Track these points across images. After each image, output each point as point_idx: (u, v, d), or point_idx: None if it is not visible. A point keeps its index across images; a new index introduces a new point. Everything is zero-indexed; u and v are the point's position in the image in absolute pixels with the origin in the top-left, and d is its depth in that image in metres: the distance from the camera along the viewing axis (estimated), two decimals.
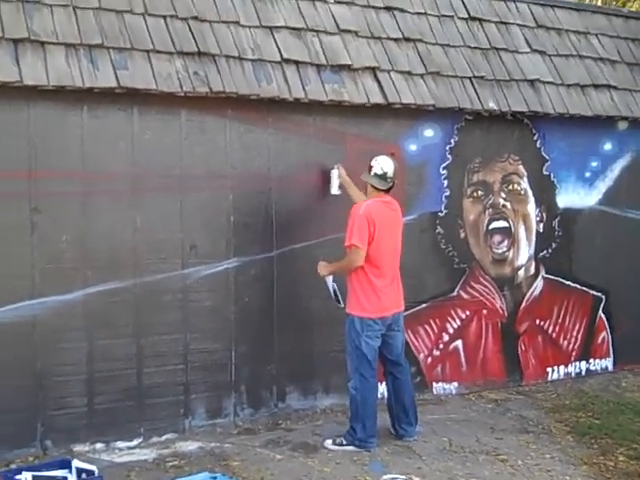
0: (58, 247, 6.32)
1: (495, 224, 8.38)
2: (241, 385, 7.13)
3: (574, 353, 9.02)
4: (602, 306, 9.17)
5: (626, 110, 8.72)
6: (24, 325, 6.22)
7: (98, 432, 6.52)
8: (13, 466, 6.03)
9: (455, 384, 8.23)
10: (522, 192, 8.54)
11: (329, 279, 6.86)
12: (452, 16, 8.09)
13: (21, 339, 6.23)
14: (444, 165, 8.02)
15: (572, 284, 8.95)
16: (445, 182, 8.04)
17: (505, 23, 8.41)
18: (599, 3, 15.91)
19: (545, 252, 8.71)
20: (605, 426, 7.34)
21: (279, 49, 6.94)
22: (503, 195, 8.38)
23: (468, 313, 8.28)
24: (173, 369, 6.81)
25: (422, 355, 7.99)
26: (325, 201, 7.28)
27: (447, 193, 8.06)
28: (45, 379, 6.31)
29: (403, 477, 5.03)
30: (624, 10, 9.74)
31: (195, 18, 6.66)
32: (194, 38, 6.58)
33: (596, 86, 8.66)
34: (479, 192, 8.26)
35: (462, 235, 8.20)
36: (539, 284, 8.71)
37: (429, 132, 7.90)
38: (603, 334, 9.21)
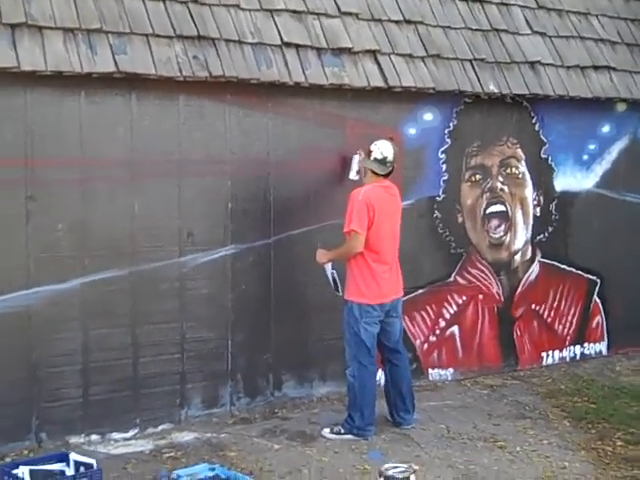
0: (54, 236, 6.29)
1: (492, 208, 8.44)
2: (237, 374, 7.16)
3: (569, 337, 9.13)
4: (597, 290, 9.26)
5: (625, 92, 8.77)
6: (19, 316, 6.20)
7: (93, 423, 6.54)
8: (8, 460, 6.05)
9: (451, 370, 8.31)
10: (520, 176, 8.58)
11: (328, 266, 6.90)
12: None
13: (15, 330, 6.21)
14: (443, 149, 8.05)
15: (568, 268, 9.03)
16: (443, 166, 8.07)
17: (506, 4, 8.40)
18: None
19: (542, 236, 8.78)
20: (602, 411, 7.46)
21: (279, 32, 6.92)
22: (501, 179, 8.42)
23: (464, 298, 8.35)
24: (169, 358, 6.83)
25: (418, 341, 8.06)
26: (324, 186, 7.30)
27: (445, 177, 8.10)
28: (40, 370, 6.31)
29: (404, 465, 5.04)
30: None
31: (195, 1, 6.60)
32: (194, 22, 6.54)
33: (596, 67, 8.69)
34: (477, 176, 8.30)
35: (459, 220, 8.25)
36: (535, 268, 8.79)
37: (428, 116, 7.92)
38: (598, 318, 9.32)
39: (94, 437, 6.53)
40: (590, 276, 9.19)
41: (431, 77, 7.54)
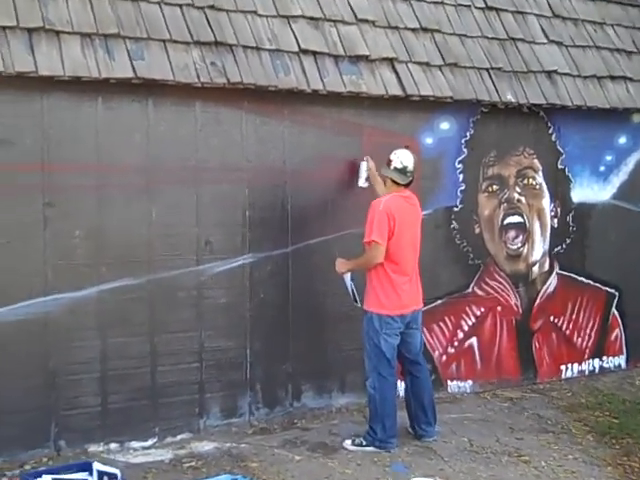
0: (71, 242, 6.23)
1: (510, 219, 8.33)
2: (256, 384, 7.06)
3: (588, 351, 8.99)
4: (615, 303, 9.11)
5: None
6: (36, 323, 6.13)
7: (112, 432, 6.44)
8: (27, 467, 5.99)
9: (470, 382, 8.19)
10: (537, 186, 8.49)
11: (347, 276, 6.79)
12: (469, 5, 8.02)
13: (33, 337, 6.13)
14: (459, 159, 7.97)
15: (585, 280, 8.91)
16: (460, 176, 7.99)
17: (522, 13, 8.35)
18: None
19: (559, 248, 8.67)
20: (625, 426, 7.29)
21: (297, 39, 6.86)
22: (518, 189, 8.33)
23: (483, 310, 8.23)
24: (187, 367, 6.74)
25: (437, 353, 7.94)
26: (341, 195, 7.23)
27: (462, 187, 8.01)
28: (58, 378, 6.22)
29: (430, 479, 4.93)
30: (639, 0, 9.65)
31: (212, 7, 6.57)
32: (211, 27, 6.50)
33: (612, 77, 8.61)
34: (494, 186, 8.21)
35: (477, 230, 8.15)
36: (553, 280, 8.67)
37: (445, 125, 7.84)
38: (616, 331, 9.18)
39: (113, 446, 6.43)
40: (608, 289, 9.06)
41: (449, 86, 7.47)
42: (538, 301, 8.59)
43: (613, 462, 6.49)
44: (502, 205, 8.27)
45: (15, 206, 6.01)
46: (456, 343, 8.11)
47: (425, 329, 7.61)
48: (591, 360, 9.00)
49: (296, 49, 6.84)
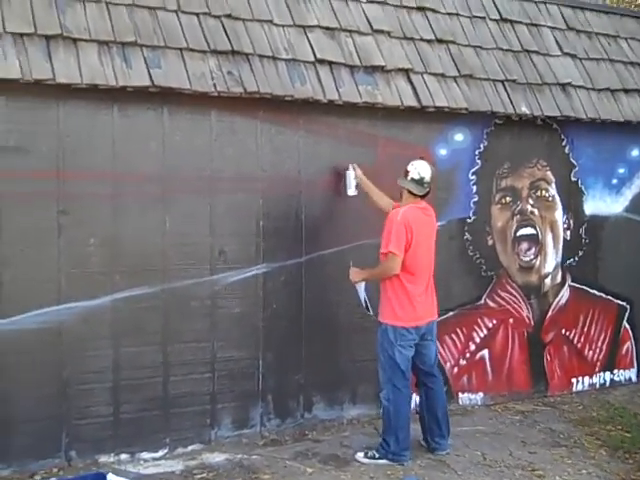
0: (85, 251, 6.14)
1: (523, 231, 8.23)
2: (268, 395, 6.95)
3: (599, 364, 8.87)
4: (627, 316, 9.00)
5: None
6: (50, 332, 6.03)
7: (123, 442, 6.33)
8: (37, 477, 5.91)
9: (481, 394, 8.07)
10: (550, 198, 8.39)
11: (361, 286, 6.69)
12: (484, 17, 7.94)
13: (47, 346, 6.04)
14: (473, 170, 7.87)
15: (597, 293, 8.79)
16: (474, 188, 7.89)
17: (536, 25, 8.27)
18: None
19: (572, 260, 8.56)
20: (637, 440, 7.17)
21: (313, 49, 6.78)
22: (531, 201, 8.23)
23: (495, 322, 8.12)
24: (200, 378, 6.64)
25: (448, 364, 7.83)
26: (355, 206, 7.09)
27: (475, 199, 7.91)
28: (70, 387, 6.12)
29: None
30: None
31: (228, 16, 6.49)
32: (227, 37, 6.41)
33: (626, 91, 8.52)
34: (507, 198, 8.11)
35: (490, 242, 8.05)
36: (565, 293, 8.56)
37: (459, 136, 7.75)
38: (627, 344, 9.07)
39: (124, 456, 6.32)
40: (620, 301, 8.95)
41: (464, 97, 7.38)
42: (550, 313, 8.48)
43: (627, 477, 6.37)
44: (515, 217, 8.18)
45: (30, 213, 5.92)
46: (468, 355, 8.00)
47: (437, 340, 7.43)
48: (602, 373, 8.89)
49: (312, 59, 6.75)
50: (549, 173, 8.34)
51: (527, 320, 8.33)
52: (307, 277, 7.04)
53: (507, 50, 7.92)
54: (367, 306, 6.73)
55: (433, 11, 7.64)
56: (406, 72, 7.20)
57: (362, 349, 7.19)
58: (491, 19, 7.99)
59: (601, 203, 8.75)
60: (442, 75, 7.36)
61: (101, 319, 6.22)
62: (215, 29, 6.39)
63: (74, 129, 6.01)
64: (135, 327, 6.34)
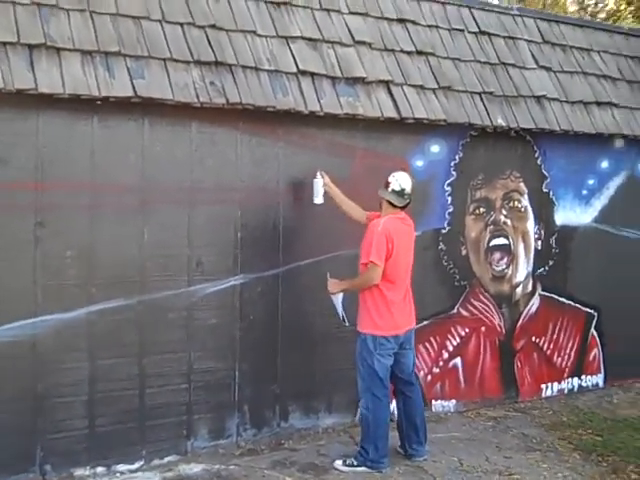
0: (62, 263, 5.85)
1: (495, 241, 8.07)
2: (244, 405, 6.72)
3: (567, 370, 8.77)
4: (594, 323, 8.88)
5: (627, 128, 8.48)
6: (24, 345, 5.74)
7: (99, 455, 6.07)
8: None
9: (453, 402, 7.92)
10: (522, 209, 8.24)
11: (339, 297, 6.50)
12: (462, 30, 7.77)
13: (21, 359, 5.74)
14: (448, 181, 7.70)
15: (566, 301, 8.68)
16: (449, 199, 7.72)
17: (513, 38, 8.11)
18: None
19: (542, 269, 8.43)
20: (609, 443, 7.13)
21: (295, 60, 6.55)
22: (504, 212, 8.07)
23: (467, 330, 7.98)
24: (176, 389, 6.38)
25: (422, 373, 7.65)
26: (333, 217, 6.83)
27: (450, 210, 7.74)
28: (45, 401, 5.85)
29: None
30: (624, 27, 9.42)
31: (212, 27, 6.23)
32: (211, 47, 6.16)
33: (599, 103, 8.40)
34: (481, 209, 7.95)
35: (464, 252, 7.88)
36: (535, 301, 8.44)
37: (435, 148, 7.57)
38: (595, 351, 8.98)
39: (100, 469, 6.07)
40: (588, 309, 8.83)
41: (442, 109, 7.19)
42: (521, 321, 8.35)
43: None
44: (488, 227, 8.02)
45: (7, 225, 5.63)
46: (441, 363, 7.85)
47: None
48: (570, 379, 8.79)
49: (294, 70, 6.52)
50: (522, 184, 8.19)
51: (499, 328, 8.18)
52: (284, 288, 6.82)
53: (485, 62, 7.75)
54: (343, 317, 6.49)
55: (413, 23, 7.43)
56: (386, 84, 7.00)
57: (337, 359, 7.00)
58: (469, 32, 7.82)
59: (571, 214, 8.63)
60: (421, 87, 7.17)
61: (77, 332, 5.94)
62: (199, 40, 6.13)
63: (53, 140, 5.73)
64: (111, 339, 6.07)
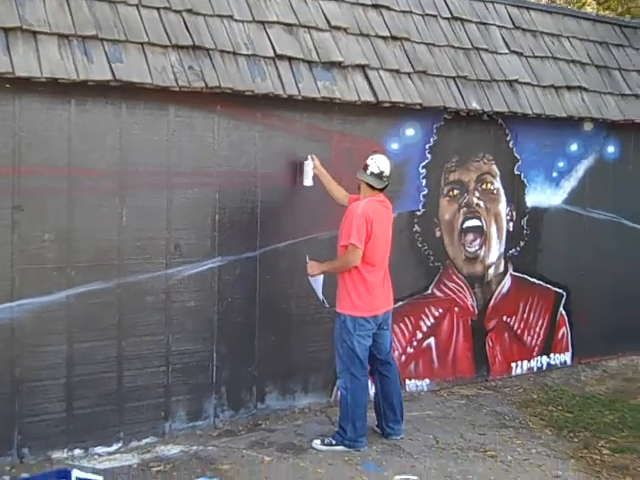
0: (40, 246, 5.70)
1: (469, 223, 8.00)
2: (222, 386, 6.62)
3: (537, 348, 8.75)
4: (563, 302, 8.84)
5: (596, 112, 8.41)
6: (2, 329, 5.59)
7: (76, 438, 5.95)
8: None
9: (427, 381, 7.87)
10: (495, 191, 8.16)
11: (318, 279, 6.42)
12: (436, 15, 7.67)
13: None
14: (423, 164, 7.59)
15: (537, 281, 8.63)
16: (423, 181, 7.63)
17: (485, 23, 8.03)
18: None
19: (514, 250, 8.39)
20: (579, 419, 7.15)
21: (272, 45, 6.40)
22: (477, 194, 7.99)
23: (441, 311, 7.92)
24: (155, 371, 6.27)
25: (396, 353, 7.57)
26: (309, 199, 6.78)
27: (425, 192, 7.65)
28: (23, 384, 5.71)
29: (414, 477, 4.55)
30: (592, 14, 9.33)
31: (189, 11, 6.07)
32: (189, 31, 6.01)
33: (569, 88, 8.33)
34: (455, 191, 7.86)
35: (438, 234, 7.80)
36: (507, 282, 8.39)
37: (410, 131, 7.47)
38: (563, 329, 8.96)
39: (77, 452, 5.94)
40: (557, 289, 8.78)
41: (418, 93, 7.09)
42: (492, 302, 8.30)
43: (575, 455, 6.34)
44: (462, 209, 7.94)
45: None
46: (415, 343, 7.79)
47: None
48: (540, 357, 8.77)
49: (272, 54, 6.38)
50: (494, 167, 8.11)
51: (471, 309, 8.14)
52: (261, 270, 6.72)
53: (458, 48, 7.65)
54: (323, 300, 6.38)
55: (387, 8, 7.32)
56: (363, 68, 6.87)
57: (314, 340, 6.95)
58: (442, 17, 7.72)
59: (542, 195, 8.58)
60: (397, 71, 7.06)
61: (55, 315, 5.80)
62: (176, 24, 5.98)
63: (30, 124, 5.56)
64: (90, 322, 5.94)
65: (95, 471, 5.70)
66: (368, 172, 6.22)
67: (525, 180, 8.40)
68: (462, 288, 8.06)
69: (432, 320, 7.87)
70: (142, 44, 5.75)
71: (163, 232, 6.20)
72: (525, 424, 7.07)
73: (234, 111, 6.39)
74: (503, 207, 8.28)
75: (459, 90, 7.43)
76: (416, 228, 7.64)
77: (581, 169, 8.87)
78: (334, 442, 6.30)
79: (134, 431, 6.20)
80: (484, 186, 8.09)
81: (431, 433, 6.75)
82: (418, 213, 7.65)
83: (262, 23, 6.45)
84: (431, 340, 7.89)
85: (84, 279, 5.88)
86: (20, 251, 5.62)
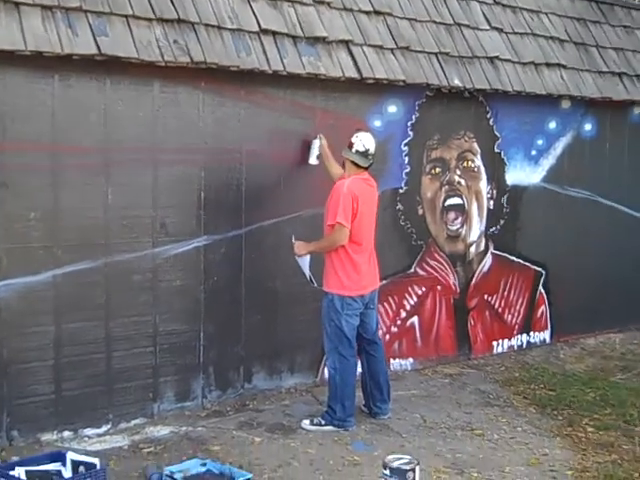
0: (26, 225, 5.63)
1: (450, 201, 8.04)
2: (209, 367, 6.61)
3: (517, 327, 8.83)
4: (542, 281, 8.91)
5: (575, 89, 8.49)
6: None
7: (65, 420, 5.90)
8: None
9: (411, 360, 7.91)
10: (476, 169, 8.21)
11: (306, 259, 6.38)
12: None
13: None
14: (405, 142, 7.61)
15: (516, 260, 8.69)
16: (406, 159, 7.64)
17: None
18: None
19: (494, 229, 8.44)
20: (562, 397, 7.20)
21: (257, 19, 6.34)
22: (458, 172, 8.04)
23: (424, 289, 7.96)
24: (142, 352, 6.23)
25: (381, 332, 7.54)
26: (295, 177, 6.76)
27: (407, 170, 7.67)
28: (10, 366, 5.65)
29: (407, 457, 4.58)
30: None
31: None
32: (173, 4, 5.93)
33: (548, 65, 8.40)
34: (437, 169, 7.90)
35: (420, 212, 7.83)
36: (488, 260, 8.45)
37: (392, 108, 7.47)
38: (542, 308, 9.05)
39: (66, 434, 5.90)
40: (536, 267, 8.86)
41: (401, 69, 7.10)
42: (474, 280, 8.36)
43: (560, 433, 6.39)
44: (443, 187, 7.98)
45: None
46: (399, 322, 7.82)
47: None
48: (520, 335, 8.85)
49: (256, 29, 6.33)
50: (475, 144, 8.16)
51: (453, 287, 8.19)
52: (247, 248, 6.70)
53: (440, 23, 7.66)
54: (311, 278, 6.35)
55: None
56: (346, 44, 6.87)
57: (300, 319, 6.94)
58: None
59: (521, 173, 8.65)
60: (380, 47, 7.06)
61: (42, 295, 5.73)
62: None
63: (13, 99, 5.47)
64: (77, 302, 5.88)
65: (87, 453, 5.64)
66: (353, 150, 6.21)
67: (505, 158, 8.46)
68: (444, 267, 8.09)
69: (415, 299, 7.90)
70: (127, 17, 5.67)
71: (149, 210, 6.15)
72: (509, 402, 7.11)
73: (218, 87, 6.35)
74: (484, 185, 8.32)
75: (441, 67, 7.44)
76: (399, 206, 7.66)
77: (559, 147, 8.95)
78: (323, 422, 6.31)
79: (123, 412, 6.16)
80: (465, 164, 8.13)
81: (418, 412, 6.77)
82: (401, 191, 7.66)
83: None
84: (414, 319, 7.92)
85: (71, 258, 5.81)
86: (5, 229, 5.55)
